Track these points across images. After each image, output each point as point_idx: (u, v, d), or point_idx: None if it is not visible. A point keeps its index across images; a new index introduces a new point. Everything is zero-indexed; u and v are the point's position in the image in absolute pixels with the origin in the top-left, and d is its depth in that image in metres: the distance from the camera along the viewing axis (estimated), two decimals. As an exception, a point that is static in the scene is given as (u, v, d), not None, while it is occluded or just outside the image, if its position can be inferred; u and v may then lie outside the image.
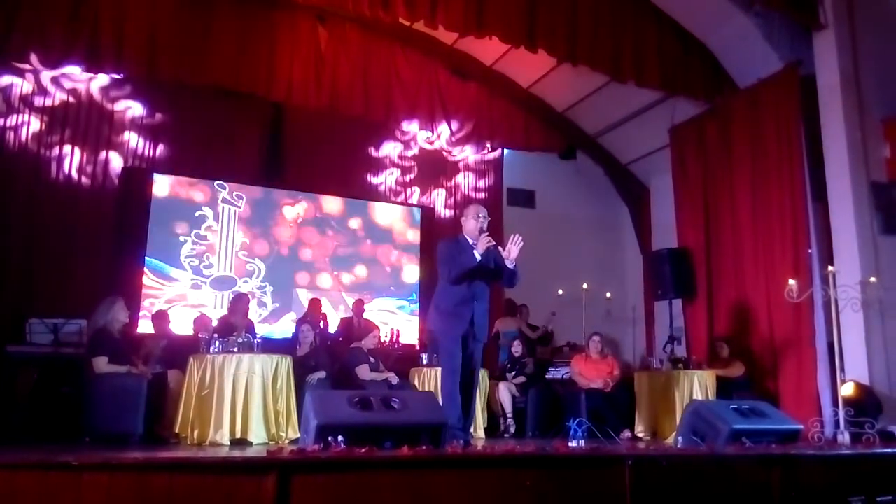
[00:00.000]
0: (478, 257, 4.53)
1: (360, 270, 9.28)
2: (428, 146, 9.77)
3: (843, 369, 5.82)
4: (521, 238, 4.44)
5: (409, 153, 9.78)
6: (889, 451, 4.27)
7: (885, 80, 7.11)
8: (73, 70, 7.44)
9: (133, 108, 8.16)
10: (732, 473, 3.43)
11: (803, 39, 7.27)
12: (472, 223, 4.65)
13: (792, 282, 5.89)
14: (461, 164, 10.07)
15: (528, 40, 7.22)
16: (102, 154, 7.96)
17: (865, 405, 5.70)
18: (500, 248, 4.51)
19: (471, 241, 4.62)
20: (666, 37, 7.85)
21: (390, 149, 9.66)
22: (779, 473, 3.43)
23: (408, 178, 9.78)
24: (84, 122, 7.91)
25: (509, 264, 4.49)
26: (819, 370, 6.59)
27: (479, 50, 8.89)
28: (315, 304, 8.13)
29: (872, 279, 6.24)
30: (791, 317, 6.83)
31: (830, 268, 5.89)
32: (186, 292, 8.21)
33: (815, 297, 6.49)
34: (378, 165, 9.60)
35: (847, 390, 5.84)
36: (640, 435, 6.42)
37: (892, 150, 6.96)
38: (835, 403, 5.68)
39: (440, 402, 4.37)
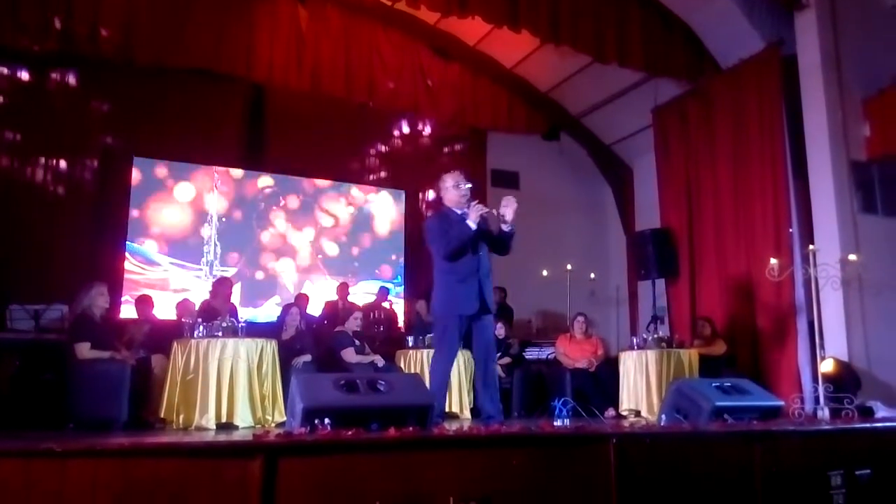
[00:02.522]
0: (473, 226, 4.25)
1: (344, 253, 9.25)
2: (410, 127, 9.71)
3: (822, 346, 5.89)
4: (513, 198, 4.27)
5: (392, 134, 9.72)
6: (867, 425, 4.34)
7: (866, 60, 7.15)
8: (50, 52, 7.29)
9: (111, 91, 8.02)
10: (715, 450, 3.47)
11: (785, 19, 7.29)
12: (454, 193, 4.43)
13: (773, 260, 5.94)
14: (444, 145, 10.03)
15: (511, 20, 7.17)
16: (82, 138, 7.84)
17: (844, 381, 5.79)
18: (493, 211, 4.30)
19: (458, 212, 4.39)
20: (649, 17, 7.83)
21: (373, 130, 9.58)
22: (760, 449, 3.48)
23: (391, 159, 9.73)
24: (62, 106, 7.78)
25: (506, 228, 4.33)
26: (799, 347, 6.70)
27: (463, 30, 8.82)
28: (302, 297, 8.06)
29: (852, 257, 6.31)
30: (772, 295, 6.92)
31: (811, 246, 5.95)
32: (170, 276, 8.15)
33: (796, 276, 6.57)
34: (361, 147, 9.54)
35: (827, 367, 5.92)
36: (624, 413, 6.48)
37: (872, 129, 7.02)
38: (815, 380, 5.77)
39: (426, 384, 4.36)
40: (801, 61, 7.11)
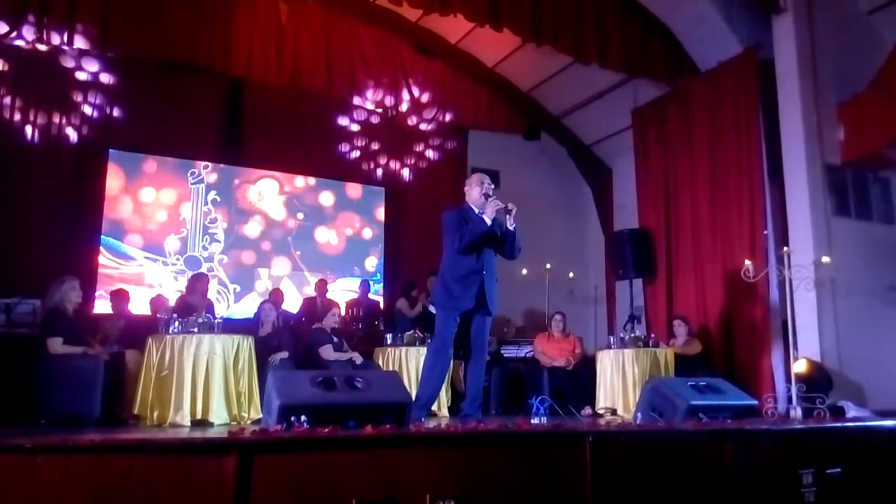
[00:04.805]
0: (488, 222, 4.43)
1: (324, 249, 9.20)
2: (392, 125, 9.67)
3: (795, 347, 5.98)
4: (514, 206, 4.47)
5: (373, 131, 9.67)
6: (838, 425, 4.41)
7: (841, 64, 7.26)
8: (23, 43, 7.15)
9: (87, 83, 7.89)
10: (689, 448, 3.51)
11: (762, 23, 7.37)
12: (477, 191, 4.57)
13: (748, 262, 6.01)
14: (425, 143, 10.00)
15: (493, 19, 7.18)
16: (55, 130, 7.71)
17: (817, 381, 5.88)
18: (509, 206, 4.44)
19: (476, 210, 4.53)
20: (629, 18, 7.88)
21: (354, 127, 9.52)
22: (733, 447, 3.52)
23: (371, 156, 9.68)
24: (36, 97, 7.63)
25: (510, 226, 4.46)
26: (773, 347, 6.80)
27: (444, 28, 8.81)
28: (277, 293, 8.00)
29: (825, 259, 6.40)
30: (747, 296, 7.00)
31: (785, 248, 6.03)
32: (145, 271, 8.06)
33: (771, 277, 6.65)
34: (341, 143, 9.47)
35: (799, 367, 6.00)
36: (600, 412, 6.53)
37: (847, 133, 7.13)
38: (788, 380, 5.85)
39: (404, 381, 4.37)
40: (778, 65, 7.20)
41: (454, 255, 4.47)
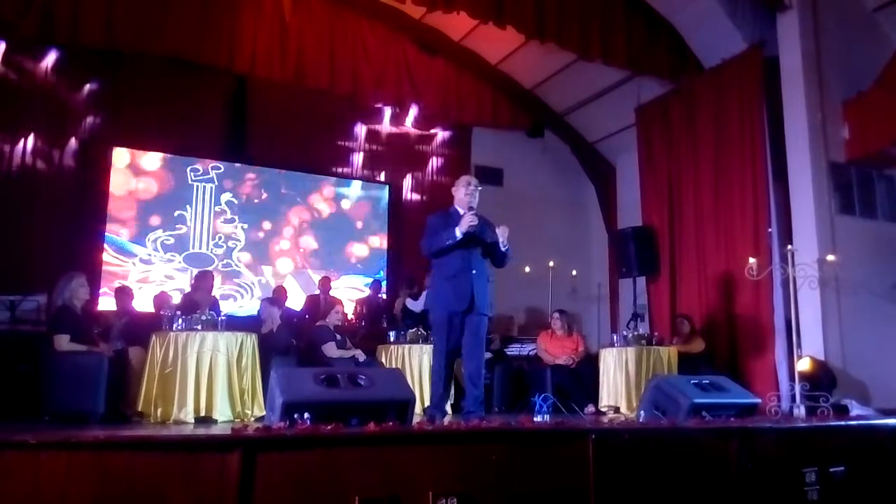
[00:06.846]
0: (458, 235, 4.35)
1: (327, 247, 9.20)
2: (395, 121, 9.67)
3: (799, 345, 5.97)
4: (506, 229, 4.46)
5: (376, 128, 9.67)
6: (842, 423, 4.40)
7: (846, 62, 7.24)
8: (30, 38, 7.16)
9: (91, 80, 7.90)
10: (692, 446, 3.51)
11: (767, 20, 7.35)
12: (462, 192, 4.56)
13: (752, 260, 6.00)
14: (429, 141, 10.00)
15: (497, 16, 7.17)
16: (60, 127, 7.72)
17: (820, 380, 5.87)
18: (503, 228, 4.43)
19: (461, 212, 4.51)
20: (633, 15, 7.87)
21: (357, 124, 9.53)
22: (736, 446, 3.52)
23: (375, 153, 9.68)
24: (41, 94, 7.65)
25: (502, 247, 4.45)
26: (777, 346, 6.78)
27: (448, 25, 8.80)
28: (280, 291, 8.02)
29: (829, 257, 6.39)
30: (751, 294, 6.99)
31: (789, 246, 6.01)
32: (149, 269, 8.07)
33: (775, 275, 6.64)
34: (344, 140, 9.48)
35: (803, 365, 6.00)
36: (603, 410, 6.52)
37: (851, 131, 7.11)
38: (791, 378, 5.84)
39: (407, 379, 4.38)
40: (783, 63, 7.18)
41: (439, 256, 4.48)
